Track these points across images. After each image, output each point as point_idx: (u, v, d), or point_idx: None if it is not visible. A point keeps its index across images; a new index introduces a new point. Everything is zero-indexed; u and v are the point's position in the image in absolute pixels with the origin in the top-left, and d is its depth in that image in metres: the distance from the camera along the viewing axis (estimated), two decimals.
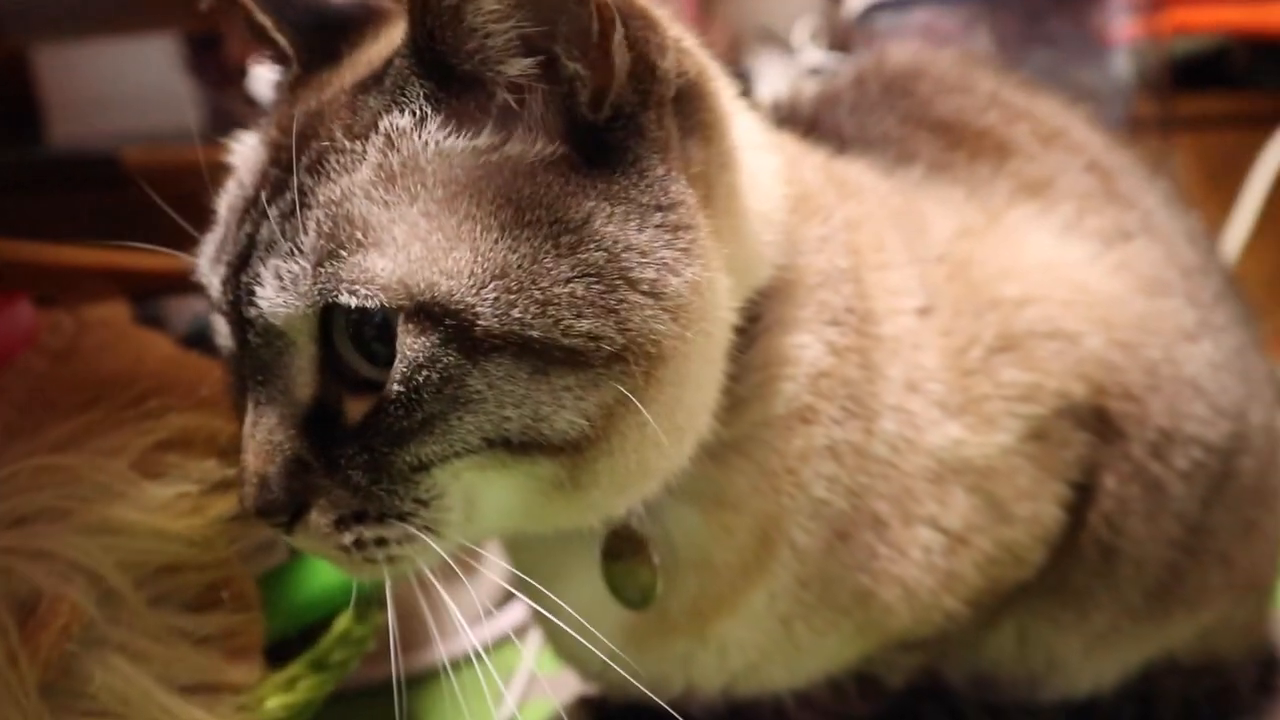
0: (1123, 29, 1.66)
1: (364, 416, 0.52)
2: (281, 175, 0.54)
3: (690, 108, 0.56)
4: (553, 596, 0.61)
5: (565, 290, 0.50)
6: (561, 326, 0.50)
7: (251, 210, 0.55)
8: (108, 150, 2.02)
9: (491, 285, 0.50)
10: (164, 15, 1.94)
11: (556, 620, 0.61)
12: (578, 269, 0.51)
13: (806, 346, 0.63)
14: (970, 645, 0.79)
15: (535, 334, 0.50)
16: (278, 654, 0.76)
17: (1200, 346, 0.74)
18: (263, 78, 1.76)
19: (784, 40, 1.85)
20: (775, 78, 1.74)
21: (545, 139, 0.53)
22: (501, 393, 0.50)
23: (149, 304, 1.34)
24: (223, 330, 0.61)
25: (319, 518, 0.54)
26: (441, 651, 1.05)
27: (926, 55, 0.92)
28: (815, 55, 1.80)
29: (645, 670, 0.68)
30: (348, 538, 0.54)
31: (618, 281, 0.51)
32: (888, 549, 0.66)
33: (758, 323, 0.61)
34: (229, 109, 2.19)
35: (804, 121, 0.83)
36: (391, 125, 0.53)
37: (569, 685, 0.98)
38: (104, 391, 0.72)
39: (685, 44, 0.57)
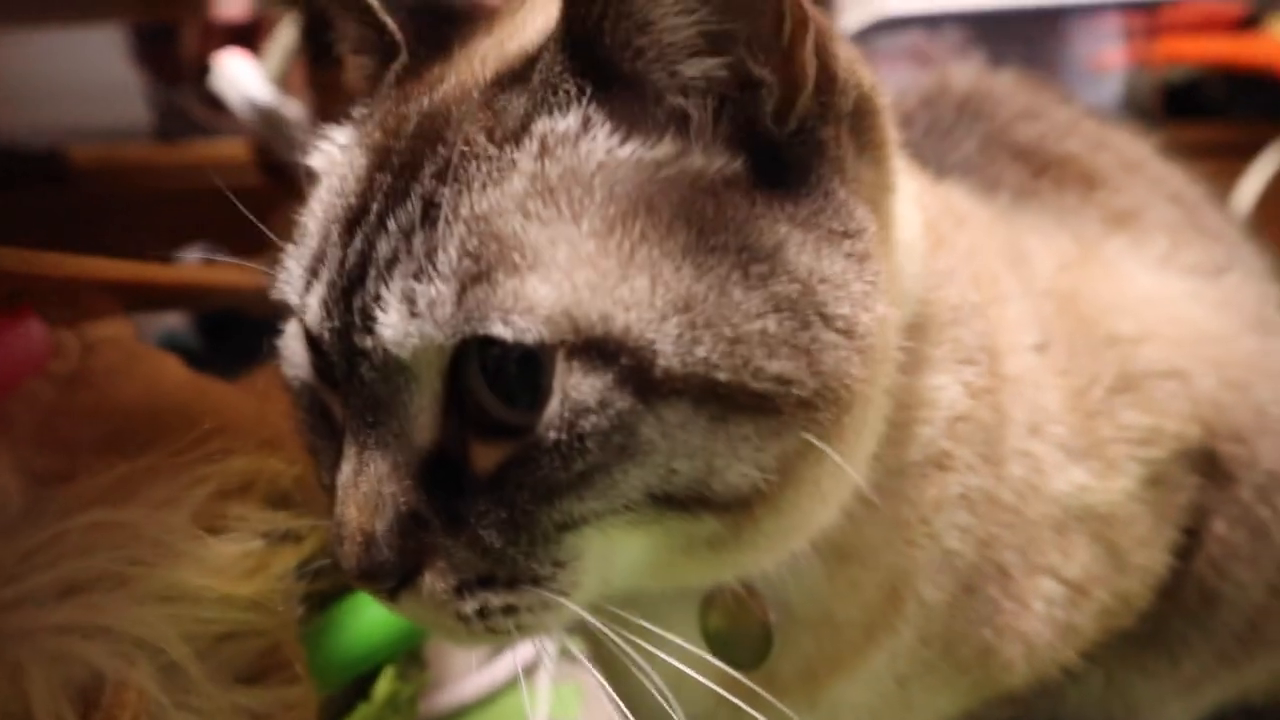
0: (1113, 56, 1.67)
1: (499, 467, 0.45)
2: (396, 183, 0.47)
3: (863, 125, 0.51)
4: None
5: (756, 326, 0.44)
6: (751, 368, 0.44)
7: (361, 222, 0.47)
8: (51, 146, 1.89)
9: (674, 320, 0.43)
10: (111, 4, 1.82)
11: (645, 680, 0.55)
12: (770, 303, 0.44)
13: (944, 388, 0.58)
14: (1056, 695, 0.75)
15: (722, 376, 0.43)
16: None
17: None
18: (229, 73, 1.67)
19: None
20: None
21: (725, 153, 0.47)
22: (675, 443, 0.44)
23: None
24: (300, 360, 0.54)
25: (435, 582, 0.47)
26: (461, 693, 1.00)
27: (990, 78, 0.89)
28: None
29: None
30: (469, 606, 0.47)
31: (813, 318, 0.45)
32: (1011, 602, 0.62)
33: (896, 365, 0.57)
34: (182, 106, 2.07)
35: None
36: (549, 130, 0.46)
37: None
38: (125, 426, 0.64)
39: (854, 54, 0.51)
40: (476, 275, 0.43)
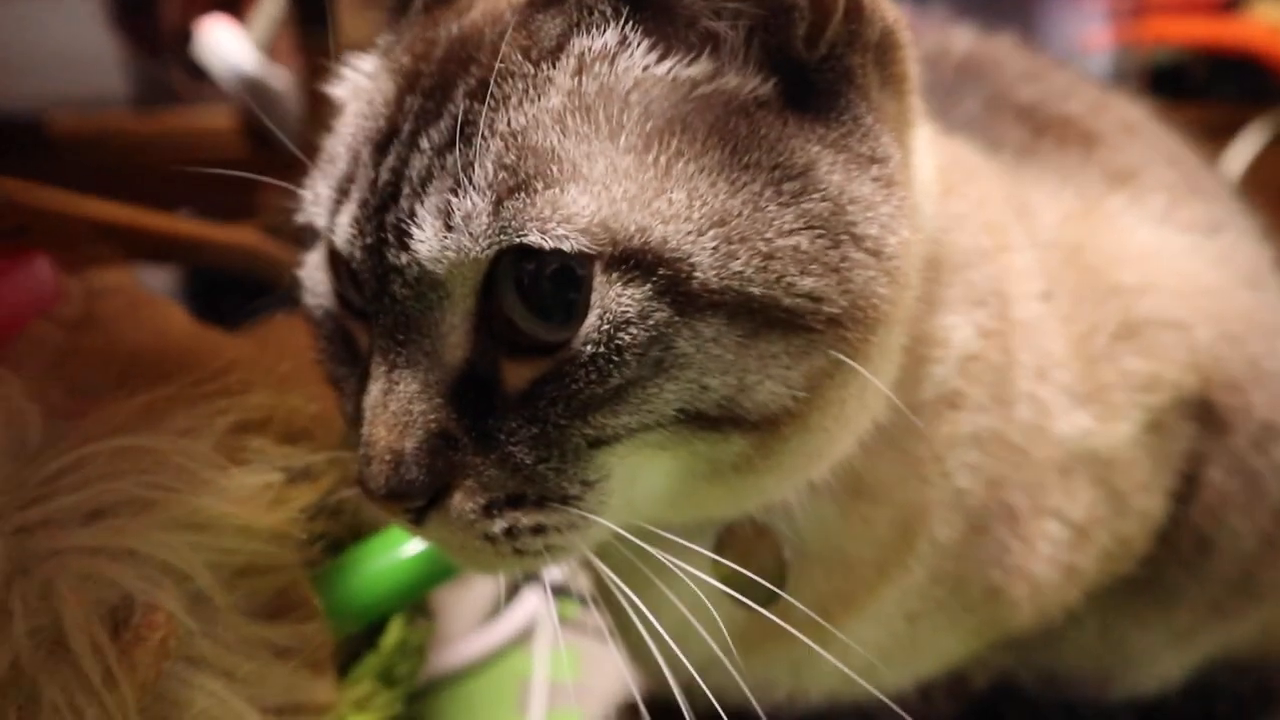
0: (1101, 36, 1.69)
1: (531, 384, 0.46)
2: (427, 104, 0.48)
3: (888, 57, 0.52)
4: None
5: (790, 242, 0.45)
6: (784, 284, 0.45)
7: (393, 143, 0.48)
8: (30, 114, 1.86)
9: (711, 233, 0.44)
10: None
11: (654, 623, 0.55)
12: (802, 219, 0.45)
13: (957, 328, 0.59)
14: (1049, 645, 0.77)
15: (756, 291, 0.44)
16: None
17: None
18: (213, 41, 1.65)
19: None
20: None
21: (758, 74, 0.48)
22: (709, 357, 0.45)
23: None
24: (322, 289, 0.54)
25: (464, 502, 0.47)
26: (461, 653, 1.00)
27: (989, 42, 0.90)
28: None
29: (752, 675, 0.63)
30: (498, 525, 0.47)
31: (843, 236, 0.46)
32: (1019, 543, 0.63)
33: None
34: (162, 75, 2.04)
35: None
36: (587, 47, 0.47)
37: (592, 692, 0.93)
38: (131, 367, 0.63)
39: None
40: (514, 187, 0.44)
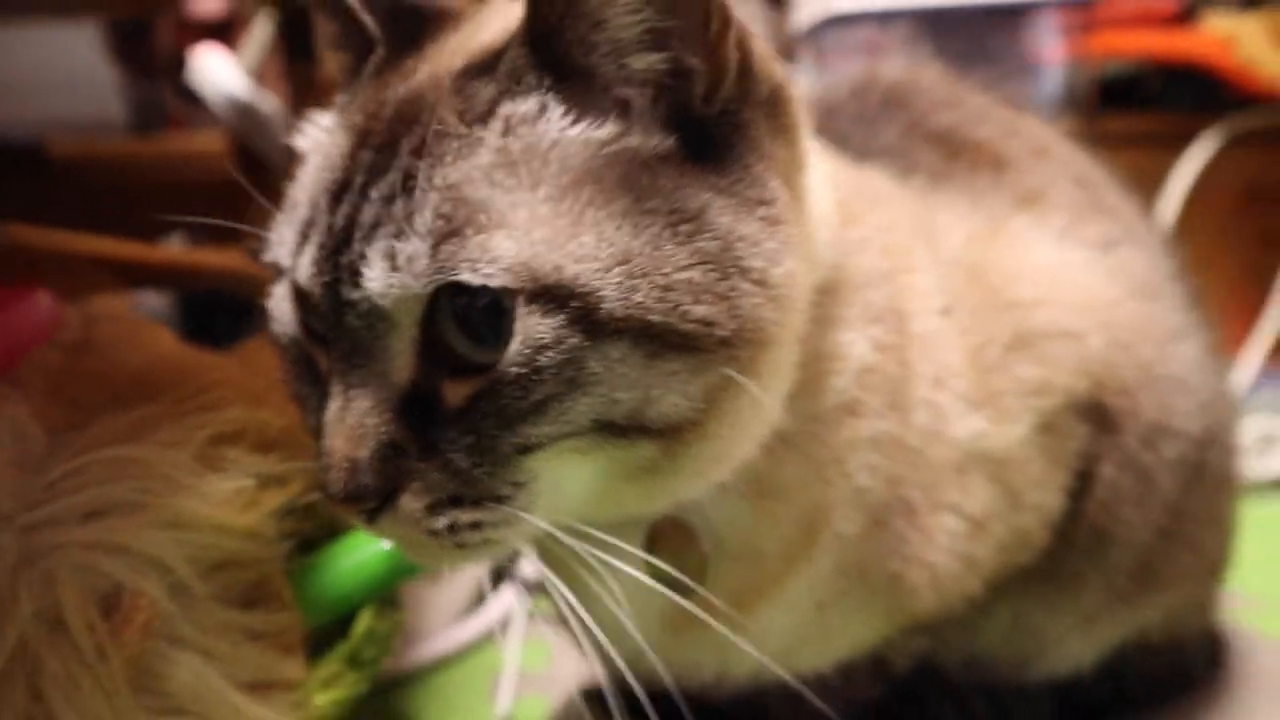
0: (1053, 50, 1.76)
1: (467, 400, 0.53)
2: (376, 158, 0.55)
3: (776, 110, 0.59)
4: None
5: (684, 276, 0.52)
6: (680, 311, 0.52)
7: (346, 193, 0.55)
8: (30, 139, 1.94)
9: (616, 270, 0.51)
10: (89, 2, 1.87)
11: (609, 602, 0.62)
12: (695, 256, 0.53)
13: (854, 343, 0.66)
14: (967, 629, 0.83)
15: (655, 318, 0.52)
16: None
17: (1184, 347, 0.81)
18: (206, 68, 1.72)
19: None
20: None
21: (661, 132, 0.55)
22: (617, 375, 0.52)
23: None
24: (287, 318, 0.61)
25: (411, 502, 0.54)
26: (437, 646, 1.07)
27: (916, 71, 0.97)
28: None
29: (680, 658, 0.70)
30: (441, 522, 0.55)
31: (731, 269, 0.54)
32: (918, 535, 0.70)
33: (811, 319, 0.64)
34: (156, 100, 2.12)
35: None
36: (512, 112, 0.54)
37: (558, 682, 1.00)
38: (126, 388, 0.71)
39: (768, 50, 0.60)
40: (449, 233, 0.51)
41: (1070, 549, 0.79)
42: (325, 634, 0.78)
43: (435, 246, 0.51)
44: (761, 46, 0.58)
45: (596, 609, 0.61)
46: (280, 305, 0.62)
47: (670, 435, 0.55)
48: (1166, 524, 0.81)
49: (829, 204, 0.66)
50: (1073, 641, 0.85)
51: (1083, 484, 0.77)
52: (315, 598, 0.75)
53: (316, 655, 0.73)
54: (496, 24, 0.60)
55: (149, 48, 2.08)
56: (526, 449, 0.54)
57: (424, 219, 0.52)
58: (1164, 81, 1.84)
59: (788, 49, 1.90)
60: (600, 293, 0.51)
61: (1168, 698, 0.94)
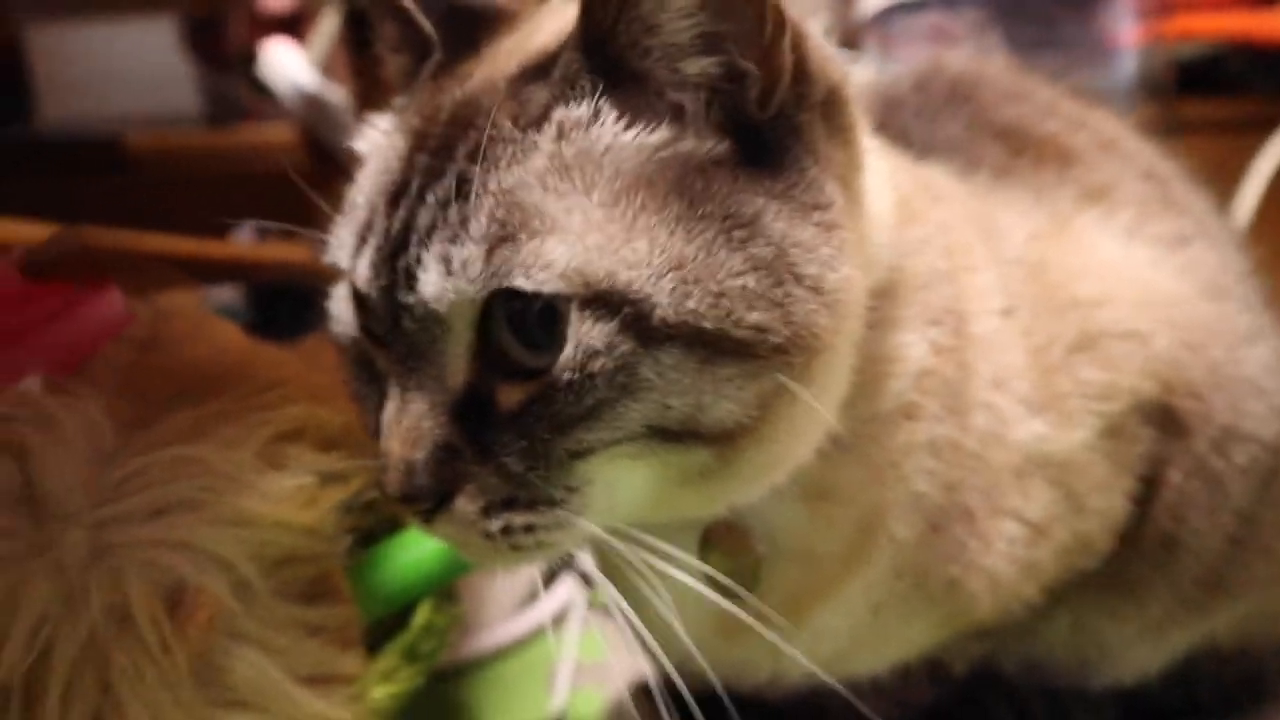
0: (1128, 33, 1.70)
1: (521, 404, 0.53)
2: (433, 162, 0.55)
3: (834, 111, 0.58)
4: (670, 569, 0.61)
5: (738, 283, 0.52)
6: (733, 318, 0.52)
7: (404, 196, 0.56)
8: (108, 134, 1.99)
9: (669, 276, 0.51)
10: None
11: (659, 604, 0.63)
12: (749, 262, 0.52)
13: (912, 345, 0.65)
14: (1027, 634, 0.82)
15: (708, 325, 0.51)
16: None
17: (1257, 348, 0.78)
18: (275, 61, 1.75)
19: None
20: None
21: (714, 137, 0.55)
22: (669, 381, 0.52)
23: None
24: (348, 319, 0.62)
25: (466, 504, 0.55)
26: (490, 640, 1.08)
27: (981, 62, 0.95)
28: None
29: (733, 659, 0.70)
30: (495, 524, 0.55)
31: (785, 276, 0.53)
32: (976, 540, 0.69)
33: (867, 321, 0.64)
34: (230, 93, 2.17)
35: (872, 126, 0.85)
36: (565, 117, 0.54)
37: (616, 673, 1.01)
38: (193, 382, 0.73)
39: (826, 51, 0.59)
40: (503, 238, 0.52)
41: (1135, 555, 0.77)
42: (384, 627, 0.80)
43: (490, 252, 0.52)
44: (818, 47, 0.57)
45: (648, 610, 0.61)
46: (340, 306, 0.63)
47: (724, 441, 0.55)
48: (1238, 531, 0.79)
49: (887, 204, 0.65)
50: (1138, 648, 0.83)
51: (1149, 489, 0.75)
52: (374, 592, 0.76)
53: (375, 648, 0.75)
54: (553, 25, 0.60)
55: (222, 42, 2.13)
56: (579, 453, 0.54)
57: (478, 224, 0.52)
58: (1245, 64, 1.78)
59: (853, 36, 1.87)
60: (653, 299, 0.51)
61: (1240, 707, 0.91)
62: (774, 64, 0.54)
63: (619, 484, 0.57)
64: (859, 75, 0.70)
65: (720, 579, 0.65)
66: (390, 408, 0.56)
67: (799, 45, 0.55)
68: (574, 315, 0.51)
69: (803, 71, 0.56)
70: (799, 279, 0.54)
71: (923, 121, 0.86)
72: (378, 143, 0.61)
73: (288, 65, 1.72)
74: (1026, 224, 0.77)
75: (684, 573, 0.62)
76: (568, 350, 0.52)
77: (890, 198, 0.65)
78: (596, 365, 0.51)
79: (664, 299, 0.51)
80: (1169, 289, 0.76)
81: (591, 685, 1.01)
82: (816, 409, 0.56)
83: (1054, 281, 0.74)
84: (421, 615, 0.80)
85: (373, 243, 0.56)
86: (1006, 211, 0.78)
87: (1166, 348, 0.74)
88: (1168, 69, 1.70)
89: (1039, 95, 0.89)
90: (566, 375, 0.52)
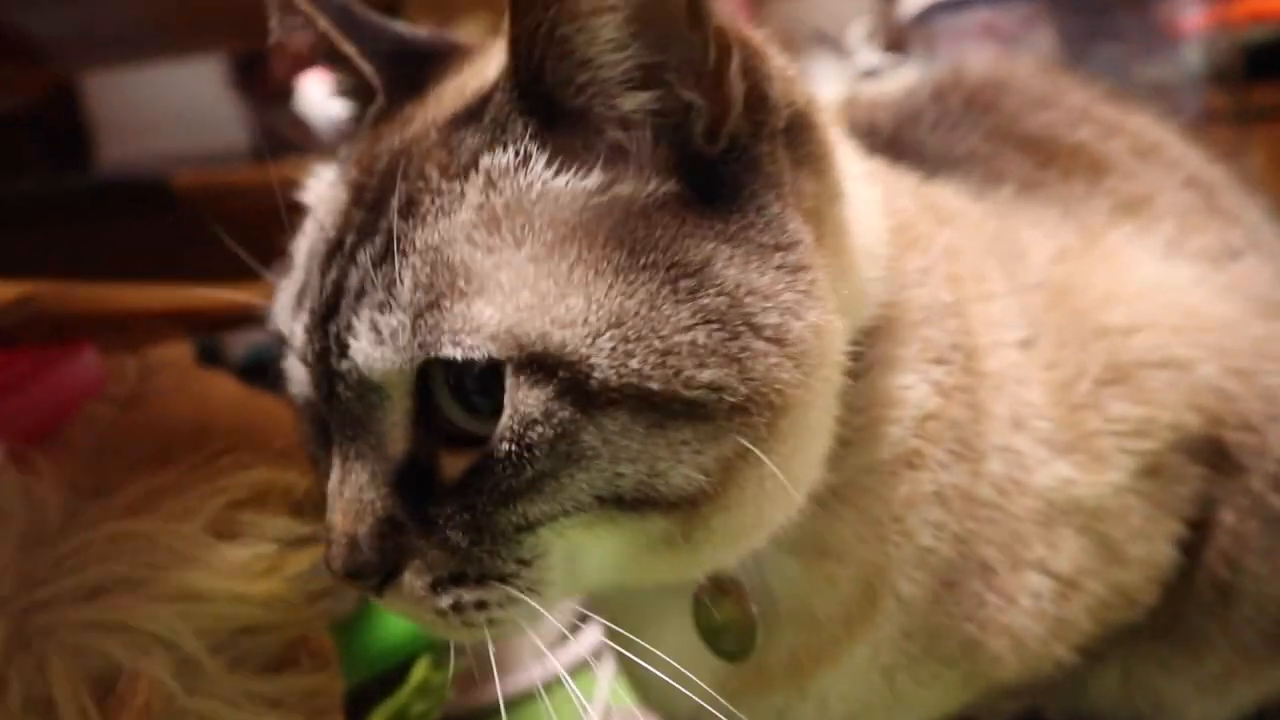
0: (1191, 20, 1.60)
1: (463, 474, 0.49)
2: (367, 217, 0.52)
3: (800, 139, 0.53)
4: (644, 644, 0.58)
5: (686, 338, 0.47)
6: (683, 378, 0.47)
7: (337, 255, 0.52)
8: (157, 175, 2.02)
9: (608, 334, 0.47)
10: (210, 36, 1.94)
11: (647, 668, 0.58)
12: (698, 315, 0.47)
13: (912, 388, 0.59)
14: (1073, 687, 0.75)
15: (655, 386, 0.47)
16: (355, 706, 0.73)
17: None
18: (310, 94, 1.76)
19: (838, 42, 1.81)
20: (830, 81, 1.70)
21: (658, 176, 0.50)
22: (616, 449, 0.47)
23: (206, 336, 1.34)
24: (300, 379, 0.59)
25: (413, 580, 0.51)
26: (520, 681, 1.05)
27: (1007, 66, 0.88)
28: (870, 57, 1.76)
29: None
30: (445, 601, 0.51)
31: (741, 328, 0.48)
32: (996, 597, 0.62)
33: (860, 363, 0.58)
34: (275, 127, 2.19)
35: (885, 140, 0.79)
36: (493, 164, 0.50)
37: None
38: (173, 442, 0.70)
39: (790, 72, 0.54)
40: (430, 303, 0.47)
41: (1188, 606, 0.69)
42: (382, 684, 0.76)
43: (417, 318, 0.48)
44: (779, 68, 0.52)
45: (652, 661, 0.57)
46: (294, 365, 0.60)
47: (685, 508, 0.50)
48: None
49: (879, 234, 0.59)
50: (1198, 704, 0.76)
51: (1200, 533, 0.68)
52: (361, 652, 0.73)
53: (363, 712, 0.71)
54: (498, 63, 0.56)
55: (266, 78, 2.15)
56: (525, 527, 0.49)
57: (405, 288, 0.48)
58: None
59: (897, 38, 1.80)
60: (590, 360, 0.46)
61: None
62: (721, 93, 0.49)
63: (580, 554, 0.52)
64: (895, 81, 0.64)
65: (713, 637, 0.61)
66: (334, 477, 0.53)
67: (755, 68, 0.50)
68: (509, 380, 0.47)
69: (759, 97, 0.50)
70: (757, 330, 0.48)
71: (939, 134, 0.80)
72: (321, 195, 0.58)
73: (322, 98, 1.73)
74: (1051, 243, 0.70)
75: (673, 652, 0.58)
76: (504, 418, 0.47)
77: (883, 226, 0.60)
78: (535, 434, 0.47)
79: (602, 360, 0.46)
80: (1215, 310, 0.69)
81: None
82: (788, 469, 0.50)
83: (1081, 307, 0.67)
84: (418, 673, 0.77)
85: (307, 306, 0.53)
86: (1030, 230, 0.71)
87: (1212, 376, 0.66)
88: (1235, 55, 1.59)
89: (1070, 100, 0.82)
90: (505, 446, 0.47)
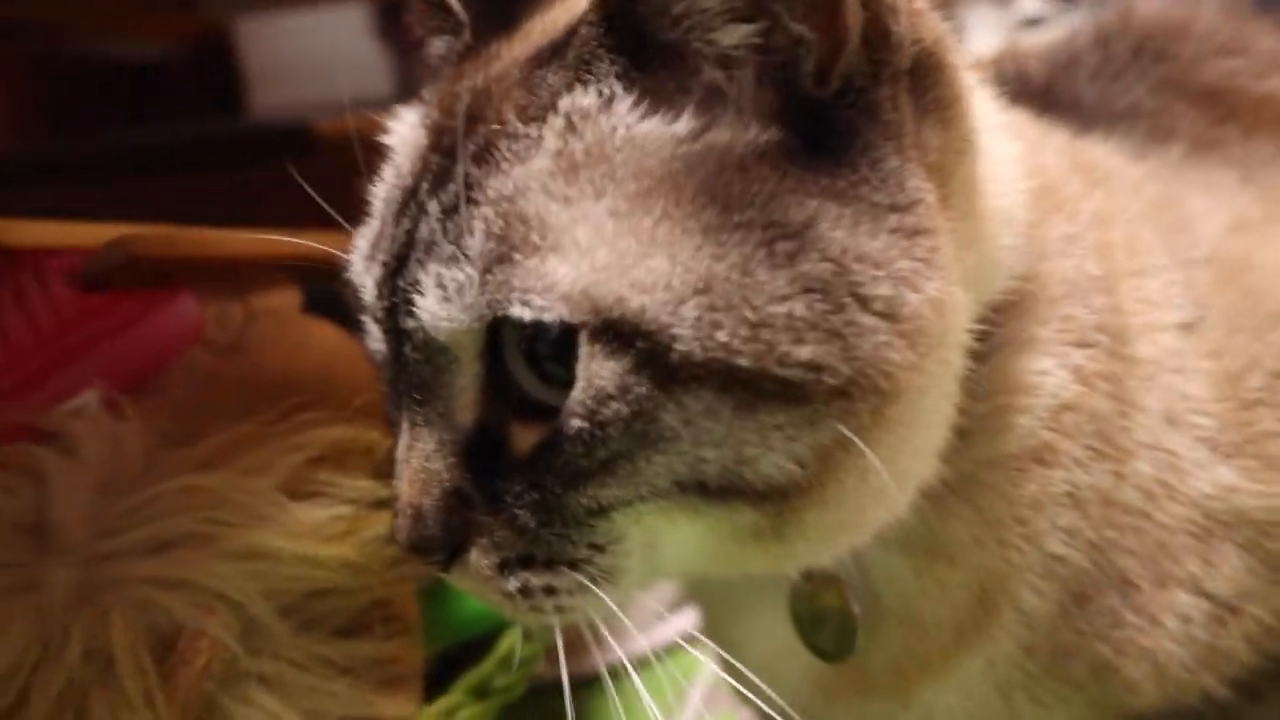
0: None
1: (534, 449, 0.45)
2: (444, 163, 0.47)
3: (926, 83, 0.46)
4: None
5: (782, 309, 0.41)
6: (776, 354, 0.41)
7: (410, 203, 0.48)
8: (299, 120, 2.06)
9: (693, 301, 0.41)
10: None
11: (736, 663, 0.54)
12: (798, 283, 0.42)
13: (1048, 373, 0.52)
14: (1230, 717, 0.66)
15: (744, 362, 0.41)
16: (439, 674, 0.72)
17: None
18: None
19: None
20: (988, 30, 1.58)
21: (759, 123, 0.44)
22: (699, 431, 0.42)
23: (320, 285, 1.35)
24: (376, 336, 0.56)
25: (480, 559, 0.47)
26: (615, 654, 1.02)
27: (1185, 8, 0.77)
28: (1033, 4, 1.62)
29: None
30: (512, 584, 0.47)
31: (846, 299, 0.42)
32: (1136, 616, 0.55)
33: (988, 342, 0.51)
34: (415, 76, 2.21)
35: (1036, 91, 0.71)
36: (573, 105, 0.45)
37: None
38: (260, 393, 0.69)
39: (918, 5, 0.46)
40: (500, 256, 0.43)
41: None
42: (472, 653, 0.74)
43: (485, 273, 0.43)
44: (905, 2, 0.45)
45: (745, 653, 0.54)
46: (370, 322, 0.57)
47: (776, 500, 0.44)
48: None
49: (1015, 196, 0.52)
50: None
51: None
52: (446, 618, 0.71)
53: (446, 681, 0.69)
54: None
55: (406, 24, 2.16)
56: (595, 511, 0.45)
57: (475, 240, 0.44)
58: None
59: None
60: (672, 330, 0.41)
61: None
62: (835, 25, 0.42)
63: (661, 543, 0.47)
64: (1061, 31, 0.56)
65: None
66: (401, 443, 0.49)
67: (874, 0, 0.43)
68: (583, 348, 0.42)
69: (880, 32, 0.43)
70: (865, 302, 0.42)
71: (1099, 85, 0.71)
72: (403, 137, 0.54)
73: None
74: (1226, 211, 0.61)
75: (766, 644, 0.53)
76: (576, 391, 0.43)
77: (1022, 186, 0.52)
78: (609, 411, 0.42)
79: (686, 330, 0.41)
80: None
81: (727, 710, 0.93)
82: (895, 463, 0.44)
83: (1258, 287, 0.58)
84: (505, 643, 0.74)
85: (380, 258, 0.49)
86: (1200, 196, 0.62)
87: None
88: None
89: (1259, 45, 0.71)
90: (575, 422, 0.43)
